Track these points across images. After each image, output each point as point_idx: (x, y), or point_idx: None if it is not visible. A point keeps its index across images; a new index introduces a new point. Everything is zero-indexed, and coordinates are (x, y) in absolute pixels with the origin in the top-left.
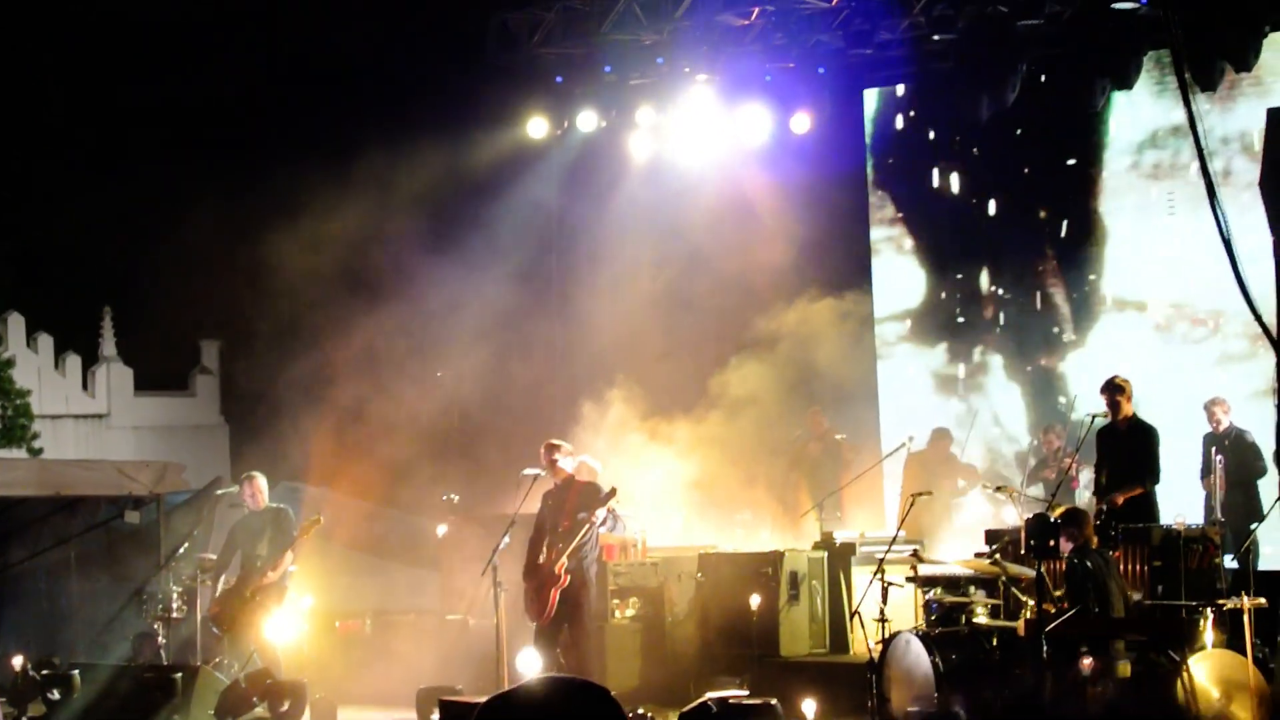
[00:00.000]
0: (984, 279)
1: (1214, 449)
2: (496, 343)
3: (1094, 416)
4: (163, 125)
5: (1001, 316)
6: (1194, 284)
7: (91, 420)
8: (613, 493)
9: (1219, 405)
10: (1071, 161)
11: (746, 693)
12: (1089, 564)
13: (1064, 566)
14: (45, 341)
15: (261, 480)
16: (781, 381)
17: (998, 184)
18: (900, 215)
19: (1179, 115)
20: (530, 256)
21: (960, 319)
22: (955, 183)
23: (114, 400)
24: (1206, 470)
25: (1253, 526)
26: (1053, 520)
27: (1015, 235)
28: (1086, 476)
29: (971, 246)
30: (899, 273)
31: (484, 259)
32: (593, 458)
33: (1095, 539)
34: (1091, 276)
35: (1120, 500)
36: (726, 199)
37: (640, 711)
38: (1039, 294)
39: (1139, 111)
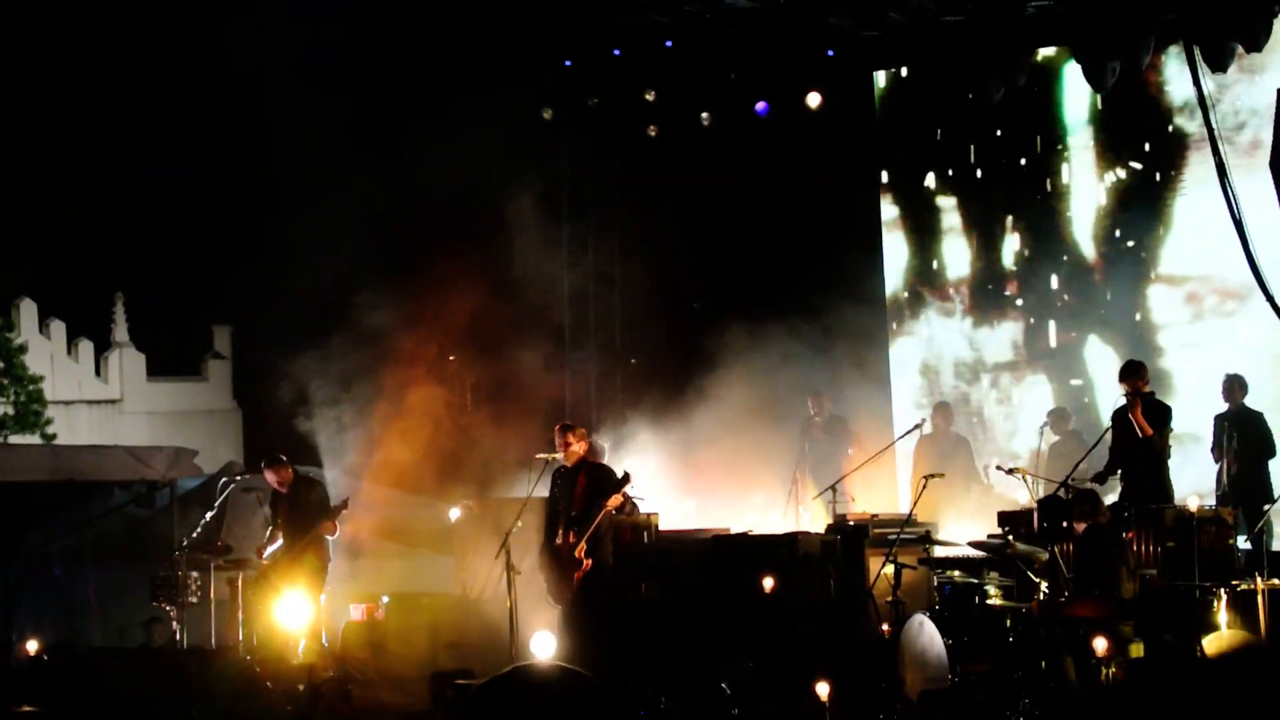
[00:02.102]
0: (1006, 254)
1: (1225, 424)
2: (505, 322)
3: (1115, 410)
4: (176, 110)
5: (1022, 293)
6: (1222, 258)
7: (104, 406)
8: (627, 479)
9: (1236, 383)
10: (1082, 136)
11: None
12: (1100, 545)
13: (1075, 548)
14: (58, 327)
15: (288, 468)
16: (792, 361)
17: (1010, 161)
18: (911, 194)
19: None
20: (544, 234)
21: (978, 296)
22: (966, 161)
23: (127, 386)
24: (1216, 447)
25: (1266, 507)
26: (1065, 501)
27: (1031, 210)
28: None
29: (987, 223)
30: (910, 251)
31: (495, 236)
32: (599, 439)
33: (1107, 518)
34: (1116, 250)
35: (1140, 418)
36: (737, 175)
37: (650, 693)
38: (1057, 272)
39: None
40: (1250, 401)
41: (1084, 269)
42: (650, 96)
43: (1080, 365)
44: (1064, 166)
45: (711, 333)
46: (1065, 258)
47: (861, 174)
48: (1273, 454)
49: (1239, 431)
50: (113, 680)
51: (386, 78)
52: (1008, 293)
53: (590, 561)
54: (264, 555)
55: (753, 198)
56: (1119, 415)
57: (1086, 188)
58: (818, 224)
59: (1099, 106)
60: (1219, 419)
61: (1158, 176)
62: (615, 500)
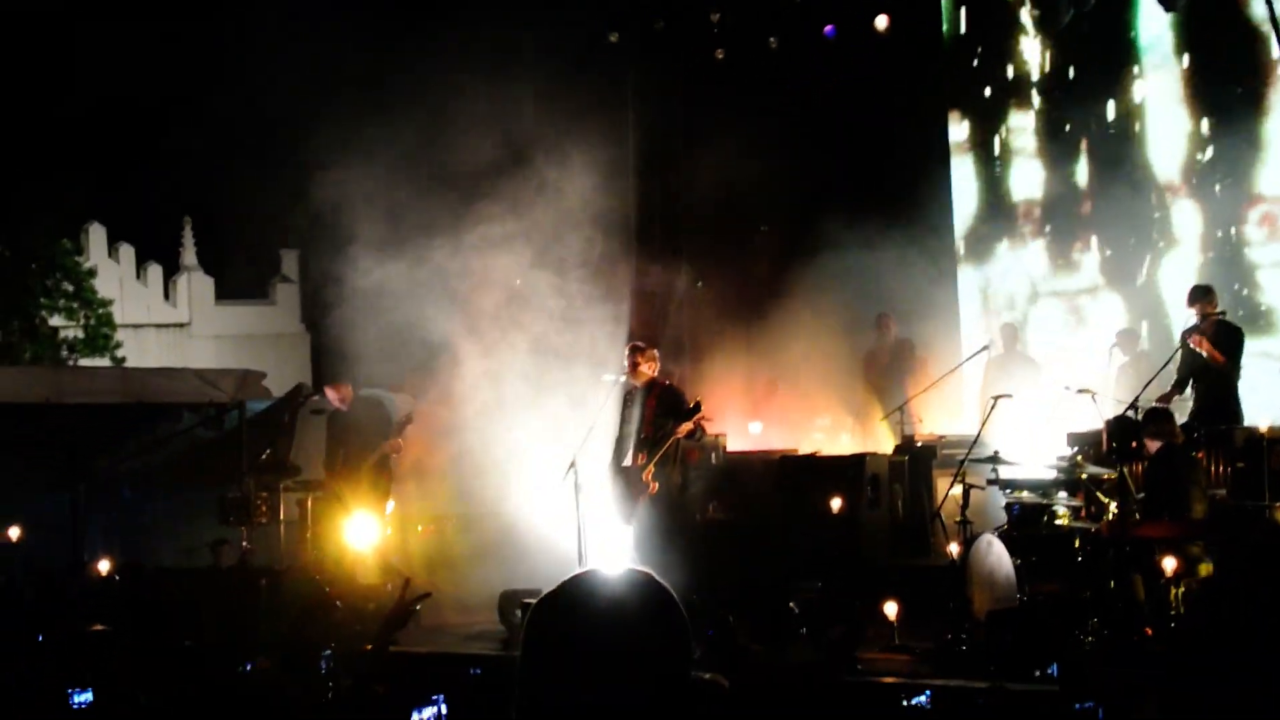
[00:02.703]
0: (1078, 176)
1: None
2: (572, 247)
3: (1184, 331)
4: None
5: (1093, 215)
6: None
7: (173, 329)
8: (698, 408)
9: None
10: (1157, 56)
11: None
12: (1173, 465)
13: (1144, 468)
14: (127, 251)
15: (348, 385)
16: (858, 285)
17: (1083, 83)
18: (980, 118)
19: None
20: (610, 159)
21: (1047, 219)
22: (1036, 83)
23: (195, 309)
24: None
25: None
26: (1135, 420)
27: (1102, 132)
28: None
29: (1058, 145)
30: (979, 174)
31: (561, 159)
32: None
33: (1181, 437)
34: (1194, 171)
35: (1205, 346)
36: (804, 100)
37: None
38: (1130, 194)
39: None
40: None
41: (1157, 190)
42: (716, 19)
43: (1153, 288)
44: (1136, 85)
45: (777, 257)
46: (1138, 179)
47: (929, 97)
48: None
49: None
50: (182, 600)
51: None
52: (1079, 214)
53: (657, 485)
54: (328, 478)
55: (820, 122)
56: (1189, 333)
57: (1162, 108)
58: (885, 148)
59: (1178, 26)
60: None
61: (1239, 94)
62: (686, 428)
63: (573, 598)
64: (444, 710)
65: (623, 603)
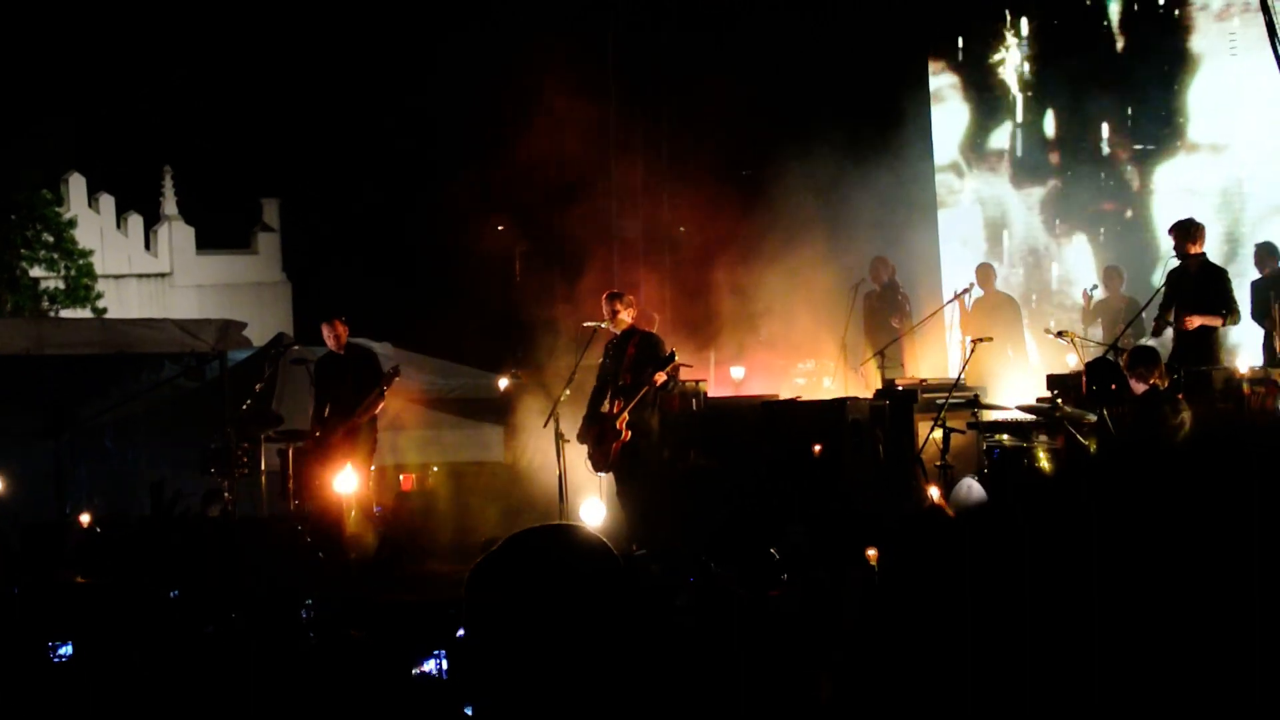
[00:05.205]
0: (1050, 121)
1: (1270, 291)
2: (555, 192)
3: (1166, 261)
4: None
5: (1067, 161)
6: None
7: (154, 279)
8: (672, 357)
9: (1265, 251)
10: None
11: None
12: (1158, 406)
13: (1127, 409)
14: (107, 201)
15: (344, 323)
16: (840, 228)
17: (1062, 27)
18: (961, 60)
19: None
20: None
21: (1025, 163)
22: (1011, 30)
23: (176, 259)
24: (1263, 315)
25: None
26: (1114, 363)
27: (1080, 76)
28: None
29: (1032, 90)
30: (958, 118)
31: (542, 105)
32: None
33: (1165, 381)
34: (1162, 116)
35: (1195, 323)
36: (787, 42)
37: (700, 559)
38: (1106, 138)
39: None
40: None
41: (1131, 135)
42: None
43: (1130, 230)
44: (1108, 26)
45: (760, 200)
46: (1111, 123)
47: (910, 40)
48: None
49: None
50: (164, 550)
51: None
52: (1053, 160)
53: (630, 433)
54: (314, 428)
55: (802, 65)
56: (1175, 275)
57: (1138, 52)
58: (866, 92)
59: None
60: (1258, 286)
61: (1202, 43)
62: (660, 377)
63: (512, 559)
64: (445, 664)
65: (562, 560)
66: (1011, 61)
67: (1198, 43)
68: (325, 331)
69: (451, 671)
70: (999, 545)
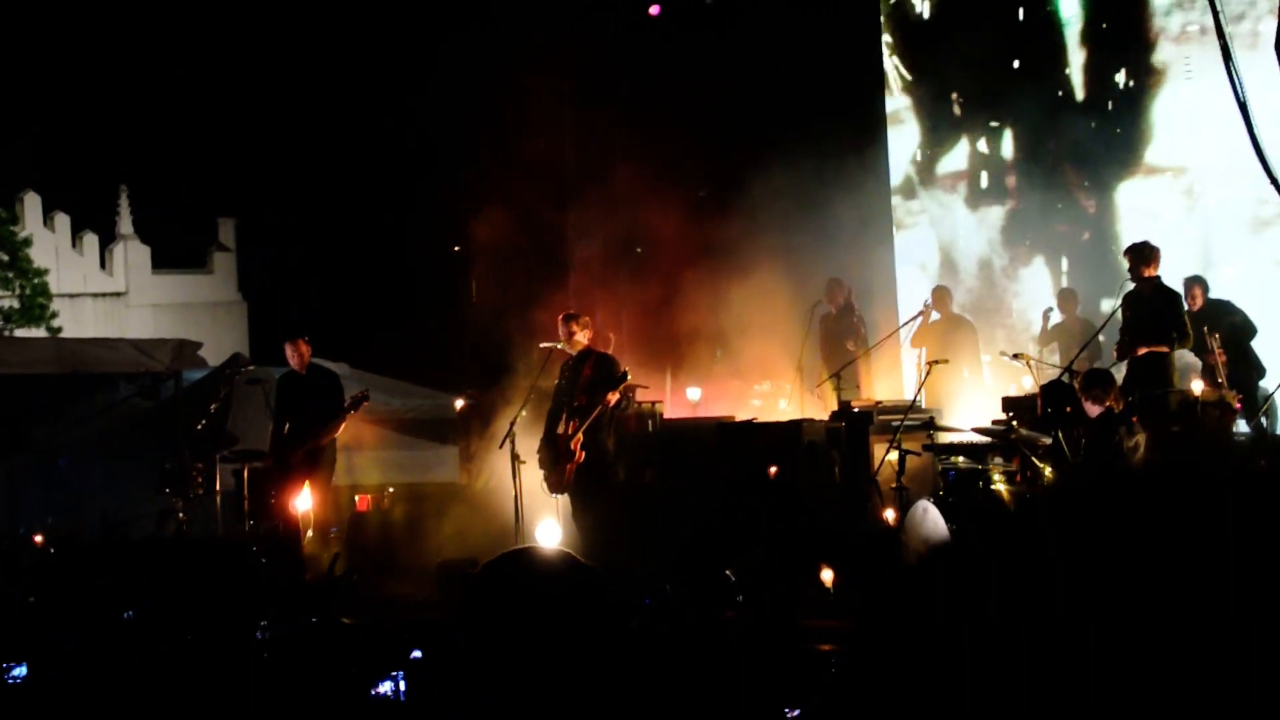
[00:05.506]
0: (1006, 145)
1: (1203, 325)
2: (509, 212)
3: (1122, 284)
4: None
5: (1024, 184)
6: (1218, 149)
7: (110, 299)
8: (624, 378)
9: (1195, 284)
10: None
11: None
12: (1112, 430)
13: (1082, 432)
14: (62, 220)
15: (307, 343)
16: (795, 249)
17: (1018, 48)
18: (915, 86)
19: None
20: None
21: (979, 186)
22: (965, 55)
23: (132, 278)
24: (1200, 348)
25: (1271, 390)
26: (1069, 385)
27: (1038, 98)
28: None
29: (986, 116)
30: (913, 141)
31: (496, 122)
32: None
33: (1120, 404)
34: (1119, 139)
35: (1142, 351)
36: (742, 61)
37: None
38: (1064, 159)
39: None
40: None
41: (1088, 157)
42: None
43: (1087, 253)
44: (1061, 57)
45: (716, 221)
46: (1063, 147)
47: (866, 62)
48: (1254, 333)
49: (1212, 325)
50: (117, 571)
51: None
52: (1009, 183)
53: (584, 454)
54: (273, 448)
55: (758, 84)
56: (1131, 298)
57: (1085, 79)
58: (823, 113)
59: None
60: (1192, 319)
61: (1156, 68)
62: (613, 396)
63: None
64: (403, 685)
65: (554, 584)
66: (969, 84)
67: (1156, 65)
68: (288, 350)
69: (410, 693)
70: (964, 578)
